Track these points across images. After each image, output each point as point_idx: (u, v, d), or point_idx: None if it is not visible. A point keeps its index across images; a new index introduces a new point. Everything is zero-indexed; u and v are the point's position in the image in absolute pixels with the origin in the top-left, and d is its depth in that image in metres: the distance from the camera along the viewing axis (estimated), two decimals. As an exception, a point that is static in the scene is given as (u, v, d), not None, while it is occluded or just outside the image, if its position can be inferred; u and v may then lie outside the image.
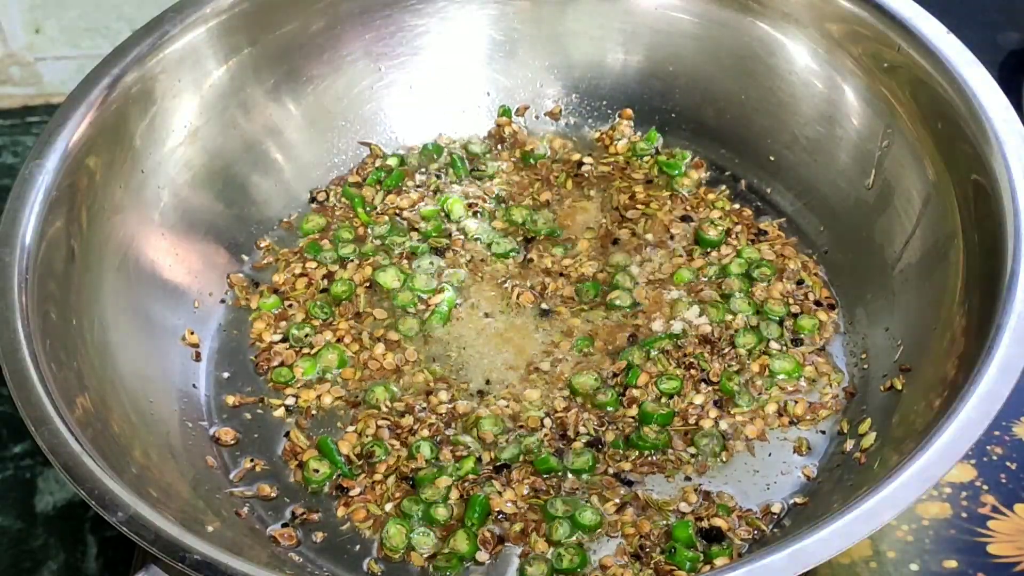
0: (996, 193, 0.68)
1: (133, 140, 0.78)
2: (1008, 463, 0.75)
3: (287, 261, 0.85)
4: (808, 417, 0.75)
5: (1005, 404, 0.60)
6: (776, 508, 0.71)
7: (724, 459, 0.73)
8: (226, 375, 0.79)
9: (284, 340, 0.80)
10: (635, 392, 0.75)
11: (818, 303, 0.80)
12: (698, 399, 0.75)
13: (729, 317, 0.79)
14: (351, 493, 0.72)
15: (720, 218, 0.85)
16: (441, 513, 0.70)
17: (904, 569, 0.71)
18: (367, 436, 0.75)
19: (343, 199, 0.88)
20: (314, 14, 0.86)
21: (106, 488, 0.59)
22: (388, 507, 0.72)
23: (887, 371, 0.74)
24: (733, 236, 0.84)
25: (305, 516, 0.72)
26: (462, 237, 0.86)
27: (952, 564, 0.71)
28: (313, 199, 0.88)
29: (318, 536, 0.71)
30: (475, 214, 0.87)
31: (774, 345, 0.78)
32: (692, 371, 0.76)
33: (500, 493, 0.71)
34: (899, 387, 0.72)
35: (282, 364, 0.79)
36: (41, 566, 0.81)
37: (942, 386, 0.65)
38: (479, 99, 0.92)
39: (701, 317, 0.79)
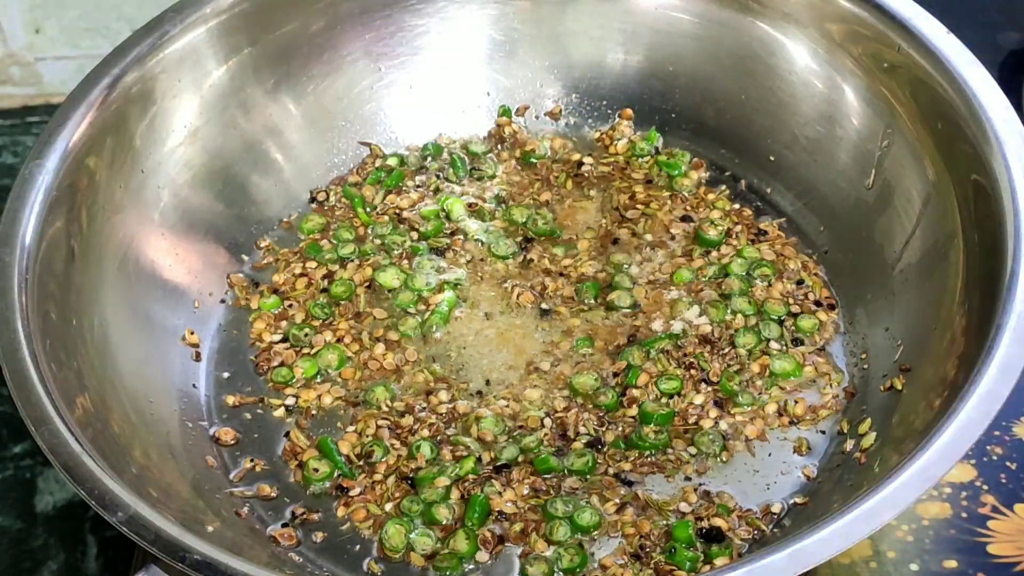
0: (996, 193, 0.68)
1: (133, 140, 0.78)
2: (1008, 463, 0.75)
3: (287, 261, 0.85)
4: (808, 417, 0.75)
5: (1005, 404, 0.60)
6: (776, 508, 0.71)
7: (724, 459, 0.73)
8: (226, 375, 0.79)
9: (284, 340, 0.80)
10: (635, 392, 0.75)
11: (818, 303, 0.80)
12: (698, 399, 0.75)
13: (729, 317, 0.79)
14: (351, 493, 0.72)
15: (720, 218, 0.85)
16: (441, 513, 0.70)
17: (904, 569, 0.71)
18: (367, 436, 0.75)
19: (343, 199, 0.88)
20: (314, 14, 0.86)
21: (106, 488, 0.59)
22: (388, 507, 0.72)
23: (887, 371, 0.74)
24: (733, 236, 0.84)
25: (305, 516, 0.72)
26: (462, 237, 0.86)
27: (952, 564, 0.71)
28: (313, 199, 0.88)
29: (318, 536, 0.71)
30: (475, 214, 0.87)
31: (774, 345, 0.78)
32: (692, 371, 0.76)
33: (500, 493, 0.71)
34: (899, 387, 0.72)
35: (282, 364, 0.79)
36: (41, 566, 0.81)
37: (942, 386, 0.65)
38: (479, 99, 0.92)
39: (701, 317, 0.79)
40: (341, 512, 0.72)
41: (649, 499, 0.71)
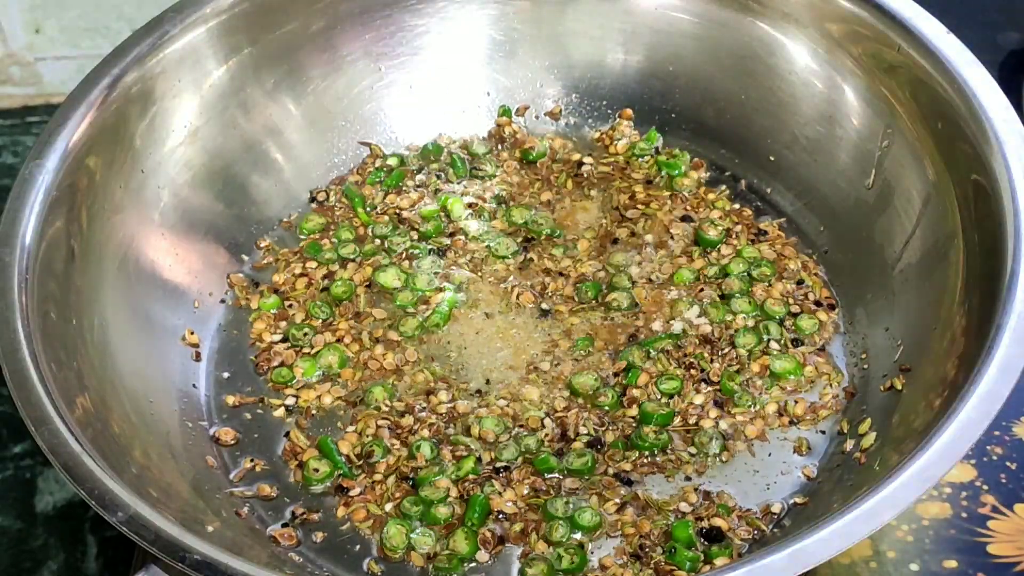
0: (996, 193, 0.68)
1: (133, 140, 0.78)
2: (1008, 463, 0.75)
3: (287, 261, 0.85)
4: (808, 417, 0.75)
5: (1005, 404, 0.60)
6: (776, 508, 0.71)
7: (724, 459, 0.73)
8: (226, 375, 0.79)
9: (284, 340, 0.80)
10: (635, 392, 0.75)
11: (818, 303, 0.80)
12: (698, 399, 0.75)
13: (729, 317, 0.79)
14: (351, 493, 0.72)
15: (720, 218, 0.85)
16: (441, 513, 0.70)
17: (904, 569, 0.71)
18: (367, 436, 0.75)
19: (343, 199, 0.88)
20: (314, 14, 0.86)
21: (106, 488, 0.59)
22: (388, 507, 0.72)
23: (887, 371, 0.74)
24: (733, 236, 0.84)
25: (305, 516, 0.72)
26: (462, 237, 0.86)
27: (952, 564, 0.71)
28: (313, 199, 0.88)
29: (318, 536, 0.71)
30: (475, 214, 0.87)
31: (774, 345, 0.78)
32: (692, 371, 0.76)
33: (500, 493, 0.71)
34: (899, 387, 0.72)
35: (282, 364, 0.79)
36: (41, 566, 0.81)
37: (942, 386, 0.65)
38: (479, 99, 0.92)
39: (701, 317, 0.79)
40: (341, 512, 0.72)
41: (649, 499, 0.71)
